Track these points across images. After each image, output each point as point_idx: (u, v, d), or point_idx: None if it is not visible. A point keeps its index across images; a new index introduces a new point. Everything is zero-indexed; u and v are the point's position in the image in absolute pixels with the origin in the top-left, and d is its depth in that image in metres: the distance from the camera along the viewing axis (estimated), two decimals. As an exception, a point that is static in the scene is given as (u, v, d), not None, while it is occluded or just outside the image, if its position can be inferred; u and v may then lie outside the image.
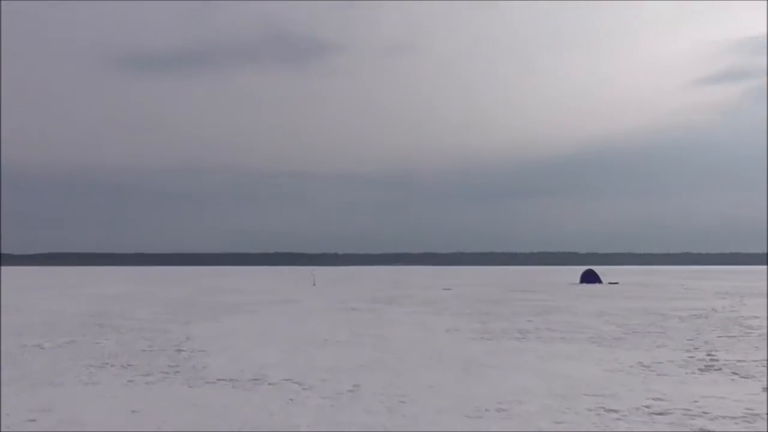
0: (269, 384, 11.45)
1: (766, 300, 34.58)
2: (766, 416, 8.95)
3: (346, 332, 19.84)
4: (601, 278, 63.60)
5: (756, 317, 24.38)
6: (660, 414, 9.11)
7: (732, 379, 11.76)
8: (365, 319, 24.52)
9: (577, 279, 65.65)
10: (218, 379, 11.87)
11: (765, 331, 19.62)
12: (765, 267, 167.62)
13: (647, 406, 9.55)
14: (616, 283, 61.04)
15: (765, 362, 13.62)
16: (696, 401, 9.87)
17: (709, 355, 14.71)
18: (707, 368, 12.96)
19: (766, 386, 11.08)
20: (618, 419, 8.80)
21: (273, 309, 30.13)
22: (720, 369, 12.85)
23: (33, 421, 8.84)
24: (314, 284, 60.38)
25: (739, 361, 13.85)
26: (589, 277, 62.56)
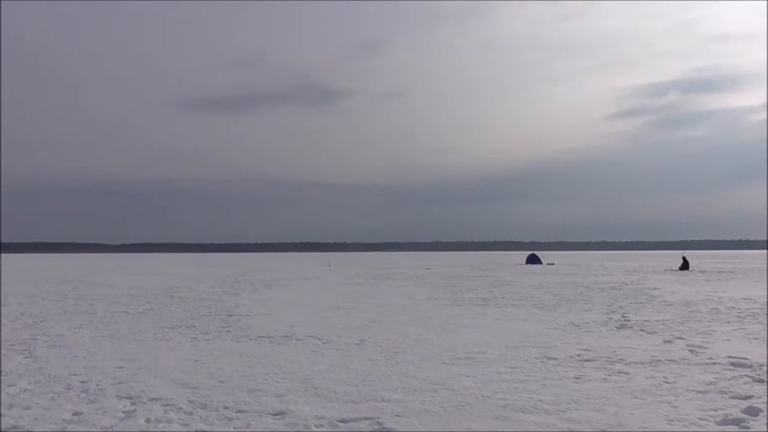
0: (297, 339, 11.30)
1: (661, 276, 34.50)
2: (665, 360, 8.87)
3: (353, 300, 19.70)
4: (542, 260, 63.43)
5: (657, 289, 24.28)
6: (588, 360, 9.00)
7: (640, 335, 11.66)
8: (367, 291, 24.37)
9: (524, 261, 65.45)
10: (259, 336, 11.72)
11: (664, 299, 19.52)
12: (659, 251, 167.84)
13: (578, 355, 9.44)
14: (553, 264, 60.88)
15: (665, 321, 13.53)
16: (615, 351, 9.77)
17: (623, 316, 14.60)
18: (622, 326, 12.86)
19: (665, 339, 11.00)
20: (557, 365, 8.69)
21: (299, 284, 29.94)
22: (632, 327, 12.75)
23: (121, 367, 8.70)
24: (330, 266, 60.13)
25: (645, 321, 13.75)
26: (533, 259, 62.37)
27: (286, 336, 11.69)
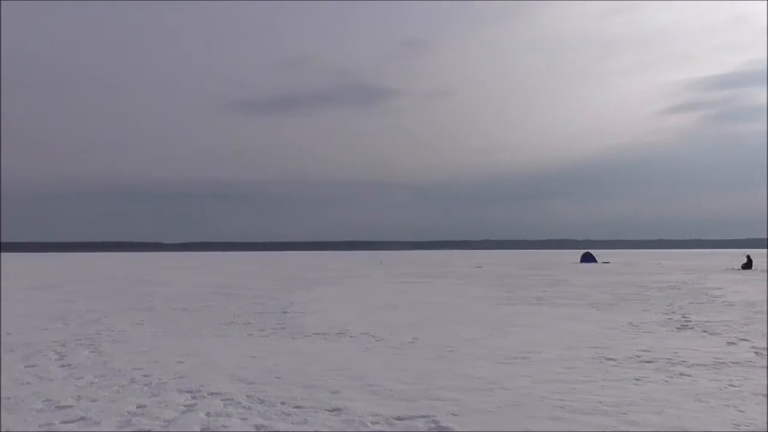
0: (350, 336, 11.37)
1: (722, 275, 33.28)
2: (729, 363, 8.54)
3: (405, 299, 19.69)
4: (596, 259, 62.11)
5: (718, 288, 23.44)
6: (648, 362, 8.75)
7: (702, 336, 11.27)
8: (418, 289, 24.33)
9: (578, 259, 64.22)
10: (313, 333, 11.84)
11: (726, 299, 18.82)
12: (719, 250, 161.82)
13: (637, 356, 9.19)
14: (608, 262, 59.55)
15: (727, 322, 13.04)
16: (675, 352, 9.46)
17: (683, 317, 14.15)
18: (682, 327, 12.46)
19: (728, 341, 10.59)
20: (616, 366, 8.47)
21: (350, 282, 30.13)
22: (692, 328, 12.34)
23: (181, 362, 8.92)
24: (381, 264, 60.32)
25: (707, 321, 13.28)
26: (587, 258, 61.13)
27: (340, 333, 11.77)
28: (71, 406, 6.51)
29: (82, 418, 6.05)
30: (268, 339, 11.30)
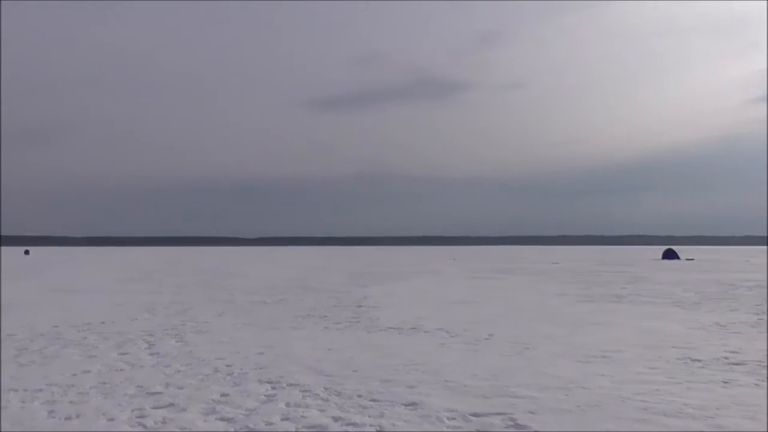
0: (424, 332, 11.38)
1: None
2: (831, 368, 8.00)
3: (479, 294, 19.52)
4: (679, 255, 59.53)
5: (814, 288, 21.99)
6: (737, 364, 8.32)
7: (798, 338, 10.61)
8: (492, 285, 24.05)
9: (659, 256, 61.77)
10: (388, 328, 11.93)
11: (823, 299, 17.63)
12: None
13: (726, 357, 8.76)
14: (692, 259, 56.95)
15: (826, 324, 12.22)
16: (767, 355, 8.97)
17: (775, 317, 13.36)
18: (775, 328, 11.77)
19: (829, 344, 9.92)
20: (702, 367, 8.11)
21: (423, 277, 30.14)
22: (786, 329, 11.64)
23: (261, 354, 9.19)
24: (454, 259, 60.02)
25: (802, 322, 12.49)
26: (669, 254, 58.63)
27: (414, 328, 11.80)
28: (160, 393, 6.84)
29: (171, 405, 6.34)
30: (344, 332, 11.46)
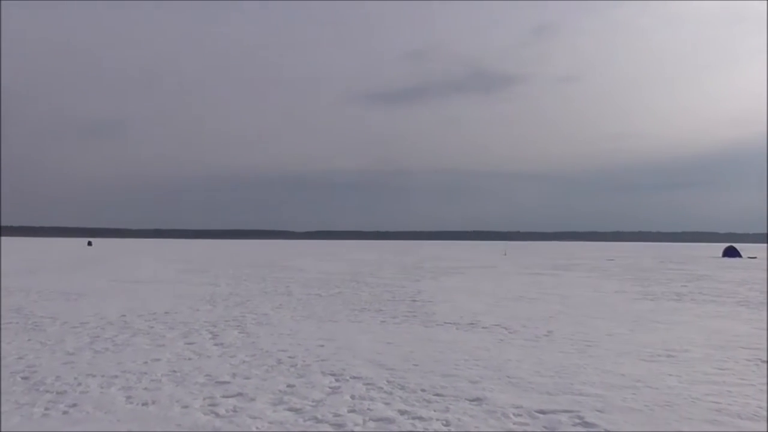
0: (482, 327, 11.33)
1: None
2: None
3: (534, 291, 19.29)
4: (741, 253, 57.34)
5: None
6: (814, 366, 7.99)
7: None
8: (548, 281, 23.72)
9: (719, 254, 59.66)
10: (445, 322, 11.92)
11: None
12: None
13: (801, 359, 8.42)
14: (755, 257, 54.73)
15: None
16: None
17: None
18: None
19: None
20: (776, 369, 7.82)
21: (476, 272, 29.95)
22: None
23: (321, 346, 9.33)
24: (505, 254, 59.39)
25: None
26: (731, 252, 56.52)
27: (472, 323, 11.76)
28: (229, 382, 7.03)
29: (240, 394, 6.51)
30: (401, 326, 11.52)
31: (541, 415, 5.75)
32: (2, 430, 4.69)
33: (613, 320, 12.33)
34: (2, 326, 11.03)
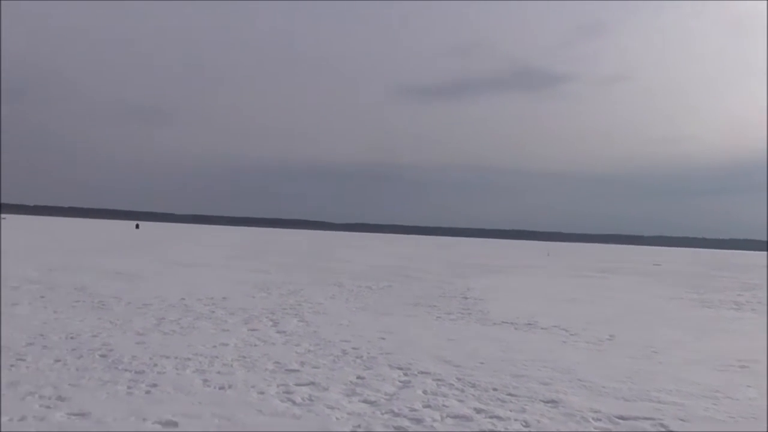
0: (541, 328, 11.17)
1: None
2: None
3: (585, 293, 18.96)
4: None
5: None
6: None
7: None
8: (597, 284, 23.31)
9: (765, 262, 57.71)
10: (502, 322, 11.79)
11: None
12: None
13: None
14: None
15: None
16: None
17: None
18: None
19: None
20: None
21: (522, 272, 29.63)
22: None
23: (383, 339, 9.32)
24: (548, 255, 58.65)
25: None
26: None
27: (529, 324, 11.61)
28: (298, 371, 7.07)
29: (312, 383, 6.54)
30: (457, 323, 11.45)
31: (621, 421, 5.62)
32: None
33: (675, 327, 12.02)
34: (72, 304, 11.34)
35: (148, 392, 5.93)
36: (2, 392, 5.66)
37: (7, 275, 15.61)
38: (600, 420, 5.64)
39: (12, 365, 6.67)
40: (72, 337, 8.30)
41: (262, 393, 6.08)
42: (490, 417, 5.62)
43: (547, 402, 6.15)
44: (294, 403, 5.82)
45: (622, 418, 5.71)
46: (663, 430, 5.42)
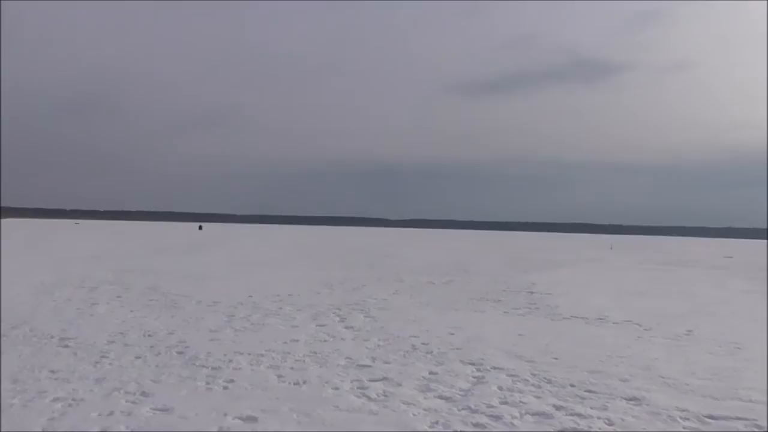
0: (613, 323, 10.83)
1: None
2: None
3: (656, 287, 18.31)
4: None
5: None
6: None
7: None
8: (665, 277, 22.49)
9: None
10: (572, 316, 11.50)
11: None
12: None
13: None
14: None
15: None
16: None
17: None
18: None
19: None
20: None
21: (585, 265, 28.90)
22: None
23: (451, 334, 9.22)
24: (611, 248, 57.08)
25: None
26: None
27: (600, 318, 11.28)
28: (370, 366, 7.06)
29: (385, 378, 6.51)
30: (526, 318, 11.23)
31: (711, 421, 5.36)
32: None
33: (756, 322, 11.45)
34: (146, 303, 11.69)
35: (225, 388, 6.02)
36: (90, 388, 5.86)
37: (85, 277, 16.26)
38: (688, 419, 5.39)
39: (96, 362, 6.91)
40: (149, 335, 8.55)
41: (336, 389, 6.09)
42: (571, 414, 5.46)
43: (630, 399, 5.93)
44: (369, 398, 5.80)
45: (711, 417, 5.44)
46: (758, 430, 5.14)
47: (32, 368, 6.56)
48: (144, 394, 5.73)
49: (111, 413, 5.18)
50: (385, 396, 5.89)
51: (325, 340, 8.51)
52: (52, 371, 6.46)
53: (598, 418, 5.37)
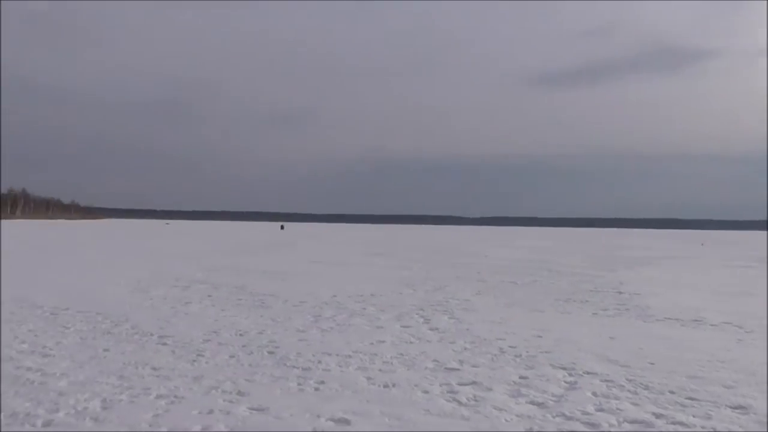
0: (710, 325, 10.29)
1: None
2: None
3: (755, 286, 17.23)
4: None
5: None
6: None
7: None
8: (763, 275, 21.14)
9: None
10: (665, 318, 11.00)
11: None
12: None
13: None
14: None
15: None
16: None
17: None
18: None
19: None
20: None
21: (675, 263, 27.64)
22: None
23: (539, 336, 9.01)
24: (702, 245, 54.40)
25: None
26: None
27: (696, 320, 10.74)
28: (458, 369, 7.00)
29: (474, 383, 6.44)
30: (616, 320, 10.84)
31: (830, 433, 4.99)
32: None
33: None
34: (236, 303, 12.09)
35: (317, 389, 6.12)
36: (190, 386, 6.11)
37: (177, 275, 17.01)
38: (804, 431, 5.04)
39: (194, 360, 7.19)
40: (241, 334, 8.83)
41: (426, 392, 6.07)
42: (672, 423, 5.21)
43: (735, 408, 5.60)
44: (460, 403, 5.75)
45: (830, 429, 5.06)
46: None
47: (136, 365, 6.91)
48: (240, 393, 5.92)
49: (210, 411, 5.37)
50: (476, 401, 5.82)
51: (410, 342, 8.52)
52: (154, 368, 6.78)
53: (702, 427, 5.11)
